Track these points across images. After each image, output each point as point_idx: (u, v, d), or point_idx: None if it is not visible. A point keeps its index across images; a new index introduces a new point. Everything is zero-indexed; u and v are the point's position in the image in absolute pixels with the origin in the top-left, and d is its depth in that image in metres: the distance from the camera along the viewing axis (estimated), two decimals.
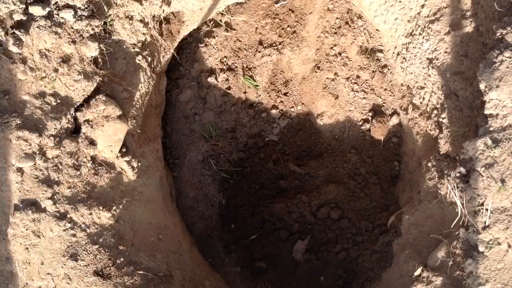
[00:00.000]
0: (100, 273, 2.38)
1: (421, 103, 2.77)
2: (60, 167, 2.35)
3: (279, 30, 3.35)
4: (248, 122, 3.39)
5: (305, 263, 3.16)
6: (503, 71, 2.02)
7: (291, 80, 3.37)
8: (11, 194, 2.28)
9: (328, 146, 3.32)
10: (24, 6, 2.29)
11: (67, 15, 2.34)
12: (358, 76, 3.29)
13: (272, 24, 3.34)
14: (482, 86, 2.08)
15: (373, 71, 3.27)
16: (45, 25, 2.30)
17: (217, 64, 3.40)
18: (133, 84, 2.62)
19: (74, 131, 2.42)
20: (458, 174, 2.17)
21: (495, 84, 2.03)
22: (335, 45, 3.30)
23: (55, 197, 2.32)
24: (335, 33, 3.30)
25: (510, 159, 1.99)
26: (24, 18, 2.30)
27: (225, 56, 3.40)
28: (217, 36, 3.41)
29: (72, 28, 2.36)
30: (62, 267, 2.32)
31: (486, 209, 2.01)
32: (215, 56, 3.41)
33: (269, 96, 3.38)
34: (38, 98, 2.32)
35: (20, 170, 2.28)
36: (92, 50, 2.41)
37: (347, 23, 3.29)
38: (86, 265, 2.36)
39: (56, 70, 2.35)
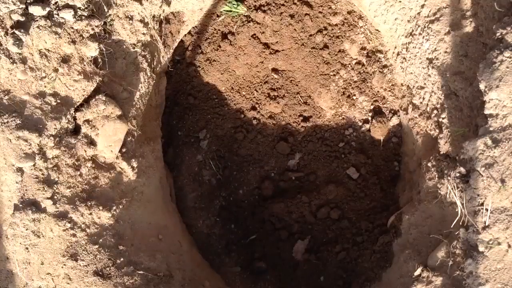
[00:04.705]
0: (100, 273, 2.38)
1: (421, 103, 2.77)
2: (60, 167, 2.35)
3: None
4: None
5: (305, 263, 3.16)
6: (503, 71, 2.02)
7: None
8: (11, 194, 2.28)
9: (328, 145, 3.32)
10: (24, 6, 2.29)
11: (67, 15, 2.34)
12: (358, 76, 3.29)
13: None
14: (482, 86, 2.08)
15: (373, 71, 3.27)
16: (45, 25, 2.30)
17: None
18: (133, 84, 2.62)
19: (74, 131, 2.42)
20: (458, 174, 2.17)
21: (495, 84, 2.03)
22: (335, 45, 3.30)
23: (55, 197, 2.32)
24: (335, 33, 3.30)
25: (510, 159, 1.99)
26: (24, 18, 2.30)
27: None
28: None
29: (72, 28, 2.36)
30: (62, 267, 2.33)
31: (486, 209, 2.01)
32: None
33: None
34: (38, 98, 2.32)
35: (20, 170, 2.28)
36: (92, 50, 2.41)
37: (347, 23, 3.29)
38: (86, 265, 2.36)
39: (56, 70, 2.35)
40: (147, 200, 2.72)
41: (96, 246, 2.39)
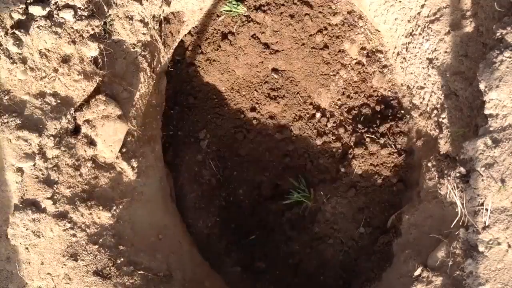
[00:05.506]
0: (100, 273, 2.38)
1: (421, 103, 2.77)
2: (60, 167, 2.35)
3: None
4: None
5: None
6: (503, 71, 2.02)
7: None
8: (11, 194, 2.28)
9: None
10: (24, 6, 2.29)
11: (67, 15, 2.34)
12: (358, 76, 3.28)
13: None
14: (482, 86, 2.08)
15: (373, 71, 3.26)
16: (45, 25, 2.30)
17: None
18: (133, 84, 2.62)
19: (74, 131, 2.42)
20: (458, 174, 2.17)
21: (495, 84, 2.03)
22: (335, 45, 3.30)
23: (55, 197, 2.32)
24: (335, 33, 3.30)
25: (510, 159, 1.99)
26: (24, 18, 2.30)
27: None
28: None
29: (72, 28, 2.36)
30: (62, 267, 2.33)
31: (486, 209, 2.01)
32: None
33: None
34: (38, 98, 2.32)
35: (20, 170, 2.28)
36: (92, 50, 2.41)
37: (347, 23, 3.29)
38: (86, 265, 2.36)
39: (56, 70, 2.35)
40: (147, 200, 2.72)
41: (96, 246, 2.39)
